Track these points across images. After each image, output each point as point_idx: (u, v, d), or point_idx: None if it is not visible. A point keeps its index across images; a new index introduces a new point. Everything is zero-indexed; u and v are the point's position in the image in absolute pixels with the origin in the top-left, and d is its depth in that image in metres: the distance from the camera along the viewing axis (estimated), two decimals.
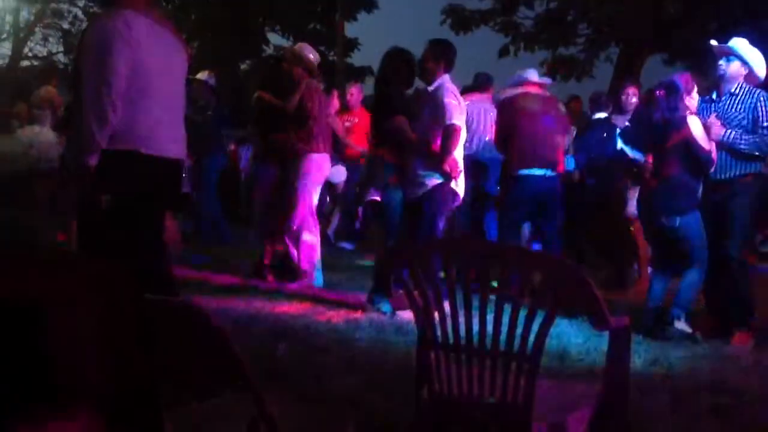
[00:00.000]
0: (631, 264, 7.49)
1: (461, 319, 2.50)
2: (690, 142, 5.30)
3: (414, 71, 5.96)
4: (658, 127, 5.43)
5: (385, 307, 5.56)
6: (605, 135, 7.49)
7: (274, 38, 21.11)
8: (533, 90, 6.66)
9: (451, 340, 2.54)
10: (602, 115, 7.77)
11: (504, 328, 2.44)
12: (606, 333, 2.78)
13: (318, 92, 6.65)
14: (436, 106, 5.56)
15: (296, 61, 6.64)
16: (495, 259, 2.53)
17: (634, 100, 7.59)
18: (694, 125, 5.36)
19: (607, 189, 7.49)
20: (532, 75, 6.79)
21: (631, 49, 15.13)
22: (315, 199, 6.62)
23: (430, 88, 5.71)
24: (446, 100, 5.50)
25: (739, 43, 5.47)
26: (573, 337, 5.09)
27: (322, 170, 6.61)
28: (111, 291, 1.65)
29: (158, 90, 3.65)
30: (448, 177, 5.51)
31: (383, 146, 6.05)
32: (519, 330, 2.42)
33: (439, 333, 2.57)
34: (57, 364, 1.67)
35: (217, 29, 19.03)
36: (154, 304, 1.73)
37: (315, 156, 6.51)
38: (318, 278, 6.61)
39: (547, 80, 7.00)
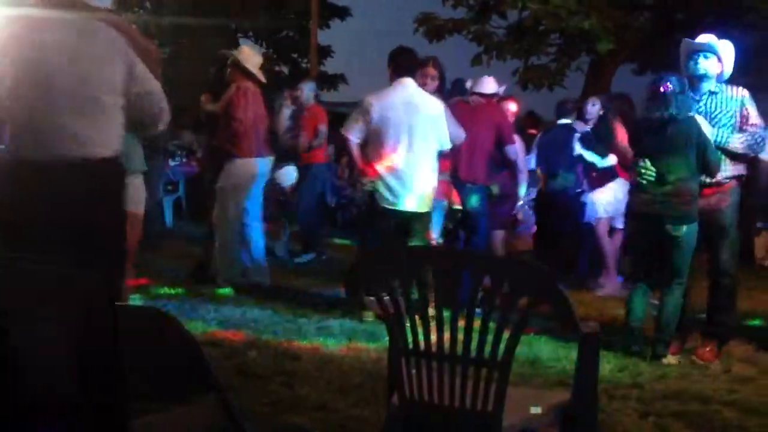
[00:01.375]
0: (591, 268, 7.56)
1: (432, 326, 2.51)
2: (703, 144, 4.92)
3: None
4: (663, 127, 4.93)
5: (366, 315, 5.55)
6: (564, 140, 7.62)
7: (248, 45, 21.08)
8: (475, 99, 6.68)
9: (423, 347, 2.55)
10: (566, 121, 7.88)
11: (475, 336, 2.45)
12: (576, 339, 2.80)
13: (249, 95, 6.53)
14: None
15: (234, 64, 6.62)
16: (466, 267, 2.54)
17: (596, 108, 7.72)
18: (703, 126, 5.00)
19: (563, 194, 7.59)
20: (481, 85, 6.80)
21: (601, 60, 15.28)
22: (240, 203, 6.55)
23: None
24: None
25: (712, 39, 5.19)
26: (544, 343, 5.13)
27: (248, 174, 6.55)
28: (79, 299, 1.64)
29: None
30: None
31: None
32: (490, 337, 2.43)
33: (410, 340, 2.57)
34: (23, 374, 1.66)
35: (189, 35, 18.96)
36: (123, 311, 1.72)
37: (239, 160, 6.49)
38: (264, 280, 6.64)
39: (498, 90, 6.94)
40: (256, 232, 6.67)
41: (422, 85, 5.86)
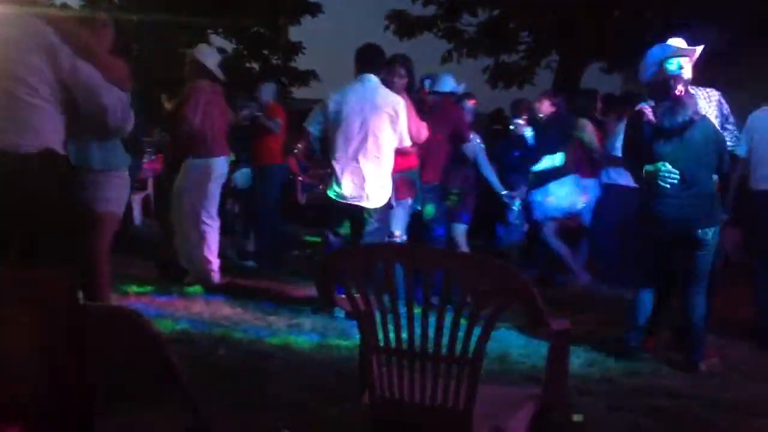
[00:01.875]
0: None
1: (403, 324, 2.51)
2: (722, 143, 4.93)
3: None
4: (682, 131, 4.82)
5: (338, 311, 5.53)
6: (511, 140, 7.68)
7: (218, 41, 20.94)
8: (431, 98, 6.68)
9: (394, 345, 2.54)
10: (520, 121, 7.90)
11: (446, 333, 2.45)
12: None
13: (202, 94, 6.48)
14: None
15: (191, 63, 6.58)
16: (437, 264, 2.54)
17: (548, 107, 7.75)
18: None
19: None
20: (438, 83, 6.82)
21: (570, 58, 15.38)
22: (197, 203, 6.50)
23: None
24: None
25: (683, 43, 5.16)
26: (514, 339, 5.14)
27: (204, 174, 6.51)
28: (43, 299, 1.61)
29: None
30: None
31: None
32: (461, 334, 2.43)
33: (381, 337, 2.57)
34: None
35: (159, 32, 18.79)
36: (89, 311, 1.69)
37: (195, 160, 6.47)
38: (214, 278, 6.59)
39: (456, 88, 6.96)
40: (212, 232, 6.65)
41: (390, 82, 5.85)
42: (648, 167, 4.88)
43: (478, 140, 7.23)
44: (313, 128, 5.71)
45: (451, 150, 6.63)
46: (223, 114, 6.70)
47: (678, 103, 4.86)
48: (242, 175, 8.35)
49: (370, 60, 5.75)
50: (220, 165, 6.64)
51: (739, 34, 11.72)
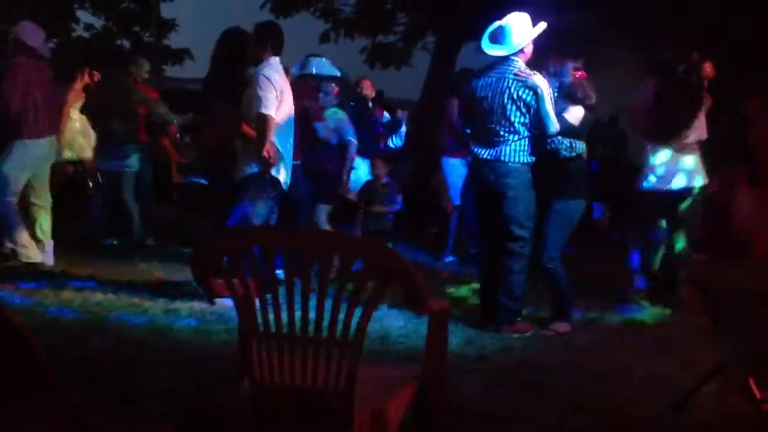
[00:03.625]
0: None
1: (283, 307, 2.47)
2: None
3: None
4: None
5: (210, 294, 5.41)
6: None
7: (85, 16, 20.08)
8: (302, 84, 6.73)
9: (273, 328, 2.50)
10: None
11: (327, 315, 2.44)
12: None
13: (20, 72, 6.29)
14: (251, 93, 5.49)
15: (13, 40, 6.39)
16: (315, 246, 2.52)
17: (367, 92, 8.18)
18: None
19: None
20: (311, 66, 6.86)
21: (446, 39, 15.55)
22: (19, 183, 6.38)
23: (252, 72, 5.63)
24: (256, 89, 5.42)
25: (525, 18, 5.28)
26: (394, 319, 5.18)
27: (25, 155, 6.36)
28: None
29: None
30: (266, 164, 5.44)
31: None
32: (341, 316, 2.42)
33: (260, 321, 2.52)
34: None
35: (21, 6, 17.86)
36: None
37: (17, 141, 6.30)
38: (35, 257, 6.45)
39: (333, 72, 7.03)
40: (45, 216, 6.53)
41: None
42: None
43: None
44: (274, 113, 5.50)
45: (304, 131, 6.61)
46: (47, 93, 6.48)
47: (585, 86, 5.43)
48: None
49: (282, 42, 5.67)
50: (43, 147, 6.45)
51: (597, 17, 12.14)
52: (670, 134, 5.95)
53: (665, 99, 5.93)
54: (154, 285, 6.08)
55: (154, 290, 5.86)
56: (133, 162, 7.93)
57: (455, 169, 7.69)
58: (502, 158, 5.16)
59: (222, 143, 5.73)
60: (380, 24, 16.11)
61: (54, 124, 6.62)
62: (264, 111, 5.39)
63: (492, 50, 5.25)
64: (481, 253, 5.58)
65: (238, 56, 5.75)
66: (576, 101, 5.39)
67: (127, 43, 19.59)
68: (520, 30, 5.20)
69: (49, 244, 6.54)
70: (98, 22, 19.25)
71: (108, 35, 19.30)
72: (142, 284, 6.06)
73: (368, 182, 7.61)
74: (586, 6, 12.15)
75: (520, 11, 5.27)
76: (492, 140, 5.19)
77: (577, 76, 5.43)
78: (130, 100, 7.87)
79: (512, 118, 5.14)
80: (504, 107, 5.15)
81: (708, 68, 6.03)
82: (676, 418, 3.69)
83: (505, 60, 5.22)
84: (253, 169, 5.48)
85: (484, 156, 5.22)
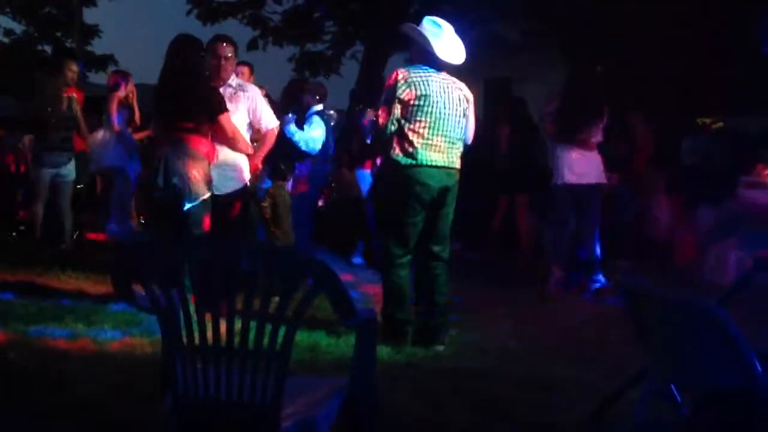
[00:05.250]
0: None
1: (207, 320, 2.43)
2: None
3: None
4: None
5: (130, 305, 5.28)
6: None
7: (5, 21, 19.55)
8: None
9: (198, 341, 2.46)
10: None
11: (253, 326, 2.40)
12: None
13: None
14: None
15: None
16: (239, 256, 2.48)
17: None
18: None
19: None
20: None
21: (375, 48, 15.61)
22: None
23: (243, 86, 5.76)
24: (259, 103, 5.75)
25: (441, 22, 5.19)
26: (322, 329, 5.14)
27: None
28: None
29: None
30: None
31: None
32: (268, 328, 2.39)
33: (184, 334, 2.48)
34: None
35: None
36: None
37: None
38: None
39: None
40: None
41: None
42: None
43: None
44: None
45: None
46: None
47: None
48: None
49: None
50: None
51: (528, 27, 12.37)
52: (574, 135, 6.90)
53: (571, 106, 6.90)
54: (78, 296, 5.91)
55: (77, 301, 5.71)
56: (70, 170, 7.78)
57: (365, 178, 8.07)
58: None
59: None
60: (309, 32, 16.09)
61: None
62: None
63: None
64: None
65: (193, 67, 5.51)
66: None
67: (48, 49, 19.15)
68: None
69: None
70: (19, 28, 18.77)
71: (29, 41, 18.84)
72: (65, 295, 5.90)
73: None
74: (510, 18, 12.39)
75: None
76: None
77: None
78: (65, 107, 7.69)
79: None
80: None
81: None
82: (599, 425, 3.74)
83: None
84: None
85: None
